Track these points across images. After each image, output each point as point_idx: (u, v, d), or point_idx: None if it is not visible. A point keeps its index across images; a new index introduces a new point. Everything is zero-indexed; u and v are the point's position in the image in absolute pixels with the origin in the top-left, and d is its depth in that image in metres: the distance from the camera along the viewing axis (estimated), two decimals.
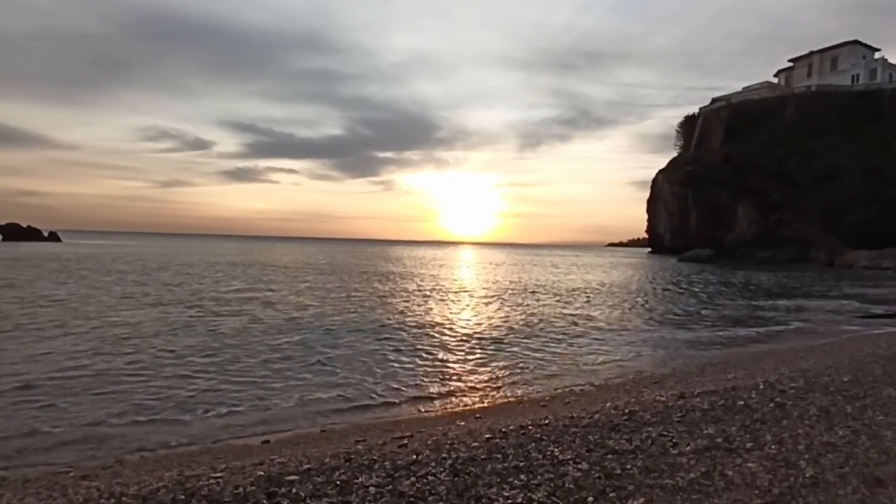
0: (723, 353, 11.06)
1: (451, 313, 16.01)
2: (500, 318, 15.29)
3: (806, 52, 77.49)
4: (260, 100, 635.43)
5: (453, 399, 7.50)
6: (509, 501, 3.30)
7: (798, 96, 70.05)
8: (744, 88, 78.51)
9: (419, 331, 12.66)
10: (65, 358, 8.90)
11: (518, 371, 9.14)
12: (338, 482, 3.60)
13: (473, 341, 11.60)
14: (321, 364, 9.12)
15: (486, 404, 7.25)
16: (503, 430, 4.80)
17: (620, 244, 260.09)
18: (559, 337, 12.47)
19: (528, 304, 18.68)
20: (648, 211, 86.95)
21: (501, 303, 19.10)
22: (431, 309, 16.81)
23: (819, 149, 61.91)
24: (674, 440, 4.44)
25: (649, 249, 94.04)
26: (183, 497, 3.39)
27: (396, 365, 9.23)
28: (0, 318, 12.36)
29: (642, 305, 19.38)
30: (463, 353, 10.34)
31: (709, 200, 69.17)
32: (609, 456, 4.08)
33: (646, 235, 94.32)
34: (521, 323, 14.37)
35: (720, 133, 73.63)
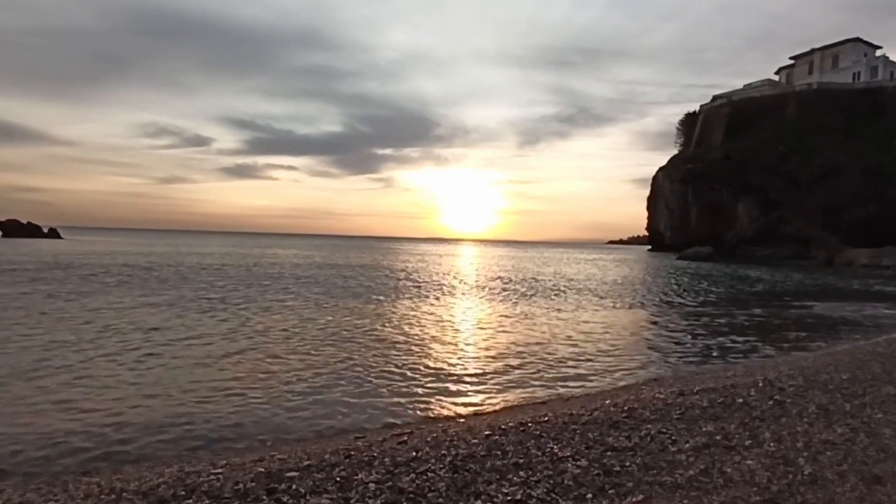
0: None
1: (450, 311, 16.02)
2: (499, 315, 15.30)
3: (807, 49, 77.46)
4: (258, 96, 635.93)
5: (453, 396, 7.51)
6: (508, 498, 3.31)
7: (799, 94, 70.03)
8: (745, 86, 78.42)
9: (419, 328, 12.66)
10: (66, 356, 8.91)
11: (517, 369, 9.14)
12: (338, 478, 3.61)
13: (473, 338, 11.62)
14: (320, 360, 9.13)
15: (485, 401, 7.25)
16: (503, 427, 4.81)
17: (621, 242, 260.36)
18: (559, 335, 12.47)
19: (527, 302, 18.69)
20: (649, 208, 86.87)
21: (500, 300, 19.10)
22: (431, 306, 16.81)
23: (820, 146, 61.93)
24: (673, 437, 4.45)
25: (649, 247, 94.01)
26: (183, 493, 3.40)
27: (396, 363, 9.24)
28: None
29: (641, 303, 19.40)
30: (462, 351, 10.35)
31: (709, 198, 69.10)
32: (608, 453, 4.09)
33: (646, 233, 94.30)
34: (520, 320, 14.37)
35: (721, 130, 73.61)
